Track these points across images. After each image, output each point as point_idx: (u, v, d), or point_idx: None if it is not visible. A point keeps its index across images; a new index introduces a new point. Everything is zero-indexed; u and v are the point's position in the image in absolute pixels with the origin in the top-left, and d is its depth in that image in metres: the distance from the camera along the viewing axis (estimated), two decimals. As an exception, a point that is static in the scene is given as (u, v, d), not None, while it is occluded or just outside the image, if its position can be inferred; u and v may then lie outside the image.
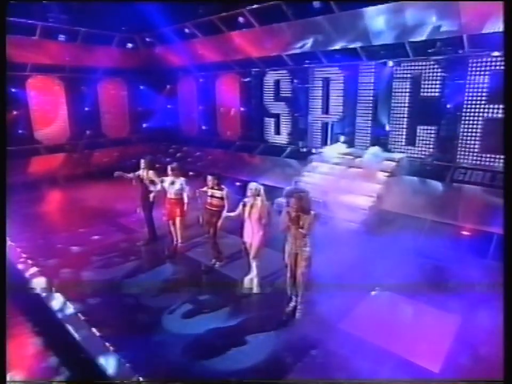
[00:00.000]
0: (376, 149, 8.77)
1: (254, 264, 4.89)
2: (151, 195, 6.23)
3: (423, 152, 8.33)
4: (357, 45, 8.40)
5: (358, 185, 7.97)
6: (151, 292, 4.82)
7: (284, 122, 10.91)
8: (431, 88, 7.84)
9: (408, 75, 8.21)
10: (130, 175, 6.26)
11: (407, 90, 8.25)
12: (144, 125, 13.50)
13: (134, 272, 5.52)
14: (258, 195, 4.62)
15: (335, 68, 9.44)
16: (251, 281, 4.97)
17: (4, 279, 3.10)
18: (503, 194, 2.67)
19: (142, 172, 6.33)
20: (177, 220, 5.95)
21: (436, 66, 7.68)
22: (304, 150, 10.22)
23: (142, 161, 6.38)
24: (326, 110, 9.94)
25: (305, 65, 9.90)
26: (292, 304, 4.47)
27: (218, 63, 11.26)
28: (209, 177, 5.47)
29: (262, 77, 10.99)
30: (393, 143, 8.79)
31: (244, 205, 4.65)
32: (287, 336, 4.07)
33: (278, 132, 11.09)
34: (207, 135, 12.66)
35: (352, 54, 8.67)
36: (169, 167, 5.94)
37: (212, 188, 5.39)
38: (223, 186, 5.36)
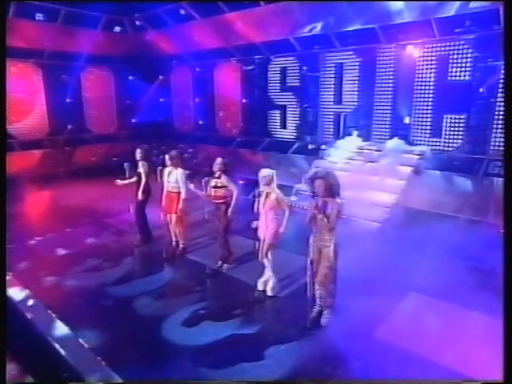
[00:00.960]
0: (396, 142, 8.66)
1: (266, 263, 4.72)
2: (140, 191, 6.07)
3: (451, 144, 8.17)
4: (375, 25, 8.30)
5: (378, 182, 7.88)
6: (146, 299, 4.66)
7: (291, 115, 10.80)
8: (460, 71, 7.70)
9: (434, 57, 8.10)
10: (134, 178, 6.07)
11: (433, 74, 8.15)
12: (133, 120, 13.26)
13: (126, 277, 5.34)
14: (271, 183, 4.49)
15: (349, 52, 9.34)
16: (265, 283, 4.83)
17: (4, 279, 3.28)
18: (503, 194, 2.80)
19: (140, 167, 6.15)
20: (174, 217, 5.82)
21: (466, 46, 7.55)
22: (314, 145, 10.15)
23: (138, 151, 6.17)
24: (338, 100, 9.81)
25: (316, 50, 9.85)
26: (317, 308, 4.32)
27: (217, 49, 11.15)
28: (218, 161, 5.28)
29: (266, 65, 10.92)
30: (416, 134, 8.66)
31: (259, 195, 4.54)
32: (313, 347, 3.84)
33: (284, 125, 11.00)
34: (204, 131, 12.51)
35: (369, 36, 8.58)
36: (167, 156, 5.84)
37: (218, 177, 5.25)
38: (224, 175, 5.23)
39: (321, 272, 4.12)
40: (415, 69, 8.34)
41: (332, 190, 3.92)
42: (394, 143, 8.63)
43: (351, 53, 9.31)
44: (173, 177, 5.72)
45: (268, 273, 4.78)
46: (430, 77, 8.19)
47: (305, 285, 4.39)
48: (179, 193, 5.68)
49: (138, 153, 6.16)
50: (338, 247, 4.09)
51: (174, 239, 6.03)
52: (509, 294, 2.37)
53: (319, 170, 4.12)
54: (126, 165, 6.12)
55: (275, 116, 11.09)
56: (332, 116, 10.02)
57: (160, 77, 13.33)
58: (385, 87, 8.93)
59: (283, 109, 10.87)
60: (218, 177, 5.25)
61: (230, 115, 12.01)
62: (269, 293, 4.75)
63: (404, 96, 8.71)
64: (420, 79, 8.34)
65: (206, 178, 5.41)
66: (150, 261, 5.87)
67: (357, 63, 9.26)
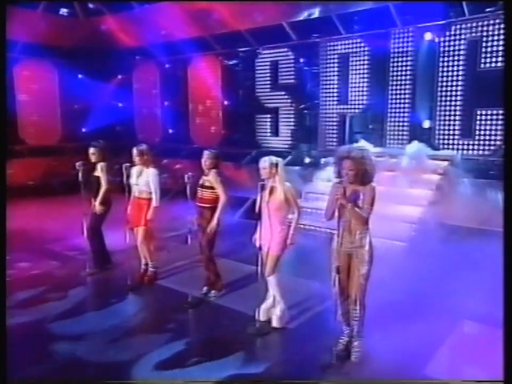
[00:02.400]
0: (417, 146, 8.66)
1: (271, 284, 4.49)
2: (97, 201, 5.82)
3: (485, 147, 8.17)
4: (389, 2, 8.44)
5: (399, 194, 7.78)
6: (103, 339, 4.34)
7: (284, 120, 10.85)
8: (495, 56, 7.79)
9: (462, 41, 8.24)
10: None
11: (461, 62, 8.27)
12: (83, 130, 12.89)
13: (74, 311, 5.02)
14: (275, 174, 4.35)
15: (356, 39, 9.48)
16: (268, 312, 4.59)
17: (4, 279, 3.71)
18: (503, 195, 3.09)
19: (98, 170, 5.93)
20: (141, 231, 5.64)
21: (502, 25, 7.64)
22: (311, 157, 10.25)
23: (91, 150, 5.96)
24: (344, 99, 9.85)
25: (315, 39, 9.95)
26: (344, 339, 4.02)
27: (192, 40, 11.19)
28: (206, 153, 5.12)
29: (253, 58, 11.00)
30: (441, 136, 8.69)
31: (262, 189, 4.33)
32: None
33: (276, 132, 11.03)
34: (175, 142, 12.28)
35: (382, 18, 8.71)
36: (134, 151, 5.55)
37: (206, 174, 5.12)
38: (214, 170, 5.08)
39: (354, 284, 3.85)
40: (439, 56, 8.48)
41: (365, 178, 3.77)
42: (415, 147, 8.61)
43: (359, 40, 9.45)
44: (143, 178, 5.54)
45: (273, 297, 4.57)
46: (457, 65, 8.31)
47: (321, 313, 4.31)
48: (149, 199, 5.51)
49: (92, 153, 5.91)
50: (374, 249, 3.85)
51: (143, 261, 5.83)
52: (509, 293, 2.56)
53: (353, 148, 3.91)
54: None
55: (265, 121, 11.11)
56: (335, 119, 10.04)
57: (120, 76, 13.22)
58: (402, 80, 9.01)
59: (275, 112, 10.91)
60: (206, 175, 5.13)
61: (208, 122, 11.99)
62: (275, 323, 4.53)
63: (424, 90, 8.80)
64: (445, 69, 8.46)
65: (190, 174, 5.20)
66: (109, 291, 5.70)
67: (367, 53, 9.37)
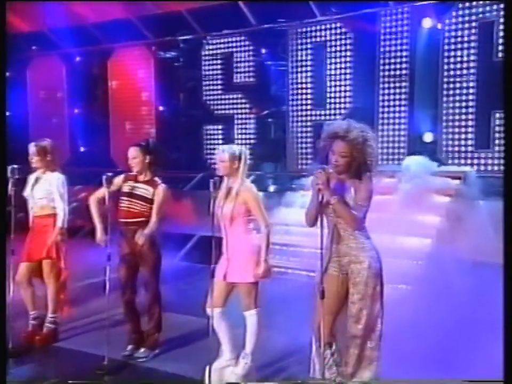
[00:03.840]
0: (419, 160, 8.77)
1: (250, 323, 4.52)
2: None
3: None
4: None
5: (399, 222, 7.77)
6: None
7: (241, 131, 10.91)
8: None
9: (473, 24, 8.52)
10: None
11: (472, 51, 8.51)
12: (-45, 146, 12.46)
13: None
14: (236, 171, 4.43)
15: (335, 23, 9.71)
16: (224, 372, 4.56)
17: (4, 279, 4.36)
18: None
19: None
20: (45, 266, 5.55)
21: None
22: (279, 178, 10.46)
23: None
24: (320, 102, 10.02)
25: (281, 24, 10.13)
26: None
27: (114, 25, 11.18)
28: (132, 150, 5.13)
29: (199, 50, 11.10)
30: (449, 147, 8.90)
31: (215, 188, 4.28)
32: None
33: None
34: (89, 165, 11.93)
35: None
36: (31, 148, 5.53)
37: (135, 179, 5.17)
38: (157, 179, 5.21)
39: (350, 319, 3.82)
40: (444, 44, 8.74)
41: (361, 170, 3.77)
42: (416, 163, 8.72)
43: (338, 25, 9.68)
44: (42, 187, 5.51)
45: (233, 352, 4.57)
46: (467, 55, 8.58)
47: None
48: (54, 215, 5.47)
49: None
50: (380, 263, 3.86)
51: (32, 313, 5.61)
52: (509, 293, 2.98)
53: (352, 125, 3.83)
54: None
55: (215, 134, 11.16)
56: (309, 129, 10.12)
57: (8, 74, 12.90)
58: (396, 76, 9.22)
59: (228, 121, 11.00)
60: (135, 178, 5.16)
61: (136, 136, 11.64)
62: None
63: (427, 89, 9.05)
64: (451, 60, 8.71)
65: (124, 176, 5.21)
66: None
67: (349, 41, 9.59)
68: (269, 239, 4.41)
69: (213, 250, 4.30)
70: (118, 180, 5.15)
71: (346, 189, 3.76)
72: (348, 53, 9.63)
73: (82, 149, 12.56)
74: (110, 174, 5.07)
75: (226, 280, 4.45)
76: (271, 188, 10.54)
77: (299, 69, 10.15)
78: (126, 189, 5.12)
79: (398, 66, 9.19)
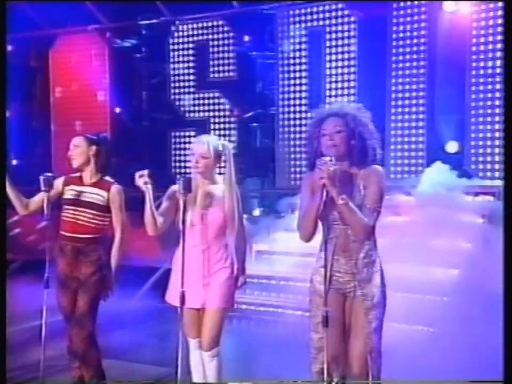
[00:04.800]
0: (441, 172, 8.84)
1: (210, 368, 4.57)
2: None
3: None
4: None
5: (417, 249, 7.75)
6: None
7: (219, 136, 10.53)
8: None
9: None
10: None
11: (498, 38, 8.52)
12: None
13: None
14: (212, 167, 4.56)
15: (336, 2, 9.79)
16: None
17: (4, 279, 4.84)
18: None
19: None
20: None
21: None
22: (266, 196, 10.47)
23: None
24: (317, 101, 9.87)
25: (268, 5, 10.21)
26: None
27: (56, 5, 10.94)
28: (76, 142, 5.04)
29: (166, 37, 11.21)
30: (480, 156, 8.95)
31: (185, 188, 4.29)
32: None
33: None
34: (23, 180, 11.78)
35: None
36: None
37: (80, 182, 5.08)
38: (108, 178, 5.17)
39: (356, 348, 3.78)
40: (470, 30, 8.80)
41: (361, 153, 3.74)
42: (437, 175, 8.78)
43: (340, 6, 9.79)
44: None
45: None
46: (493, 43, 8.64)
47: None
48: None
49: None
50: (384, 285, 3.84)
51: None
52: (509, 293, 3.40)
53: (342, 104, 4.03)
54: None
55: (186, 142, 11.14)
56: (304, 134, 9.96)
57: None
58: (412, 69, 9.28)
59: (203, 125, 10.96)
60: (79, 181, 5.07)
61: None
62: None
63: (451, 82, 9.06)
64: (481, 48, 8.78)
65: (64, 179, 5.08)
66: None
67: (353, 26, 9.66)
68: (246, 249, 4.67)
69: (182, 267, 4.26)
70: (57, 183, 5.08)
71: (353, 186, 3.73)
72: (352, 41, 9.69)
73: (14, 162, 12.25)
74: (49, 174, 4.95)
75: (204, 307, 4.47)
76: (256, 211, 10.56)
77: (291, 61, 10.20)
78: (69, 195, 5.05)
79: (414, 58, 9.25)
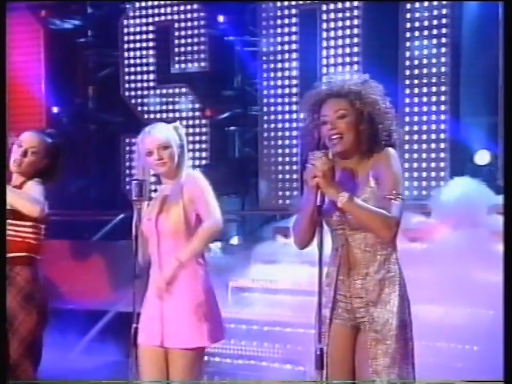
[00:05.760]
0: (468, 186, 8.75)
1: None
2: None
3: None
4: None
5: (443, 282, 7.78)
6: None
7: (186, 143, 10.71)
8: None
9: None
10: None
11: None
12: None
13: None
14: (171, 161, 4.72)
15: None
16: None
17: (4, 279, 4.93)
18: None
19: None
20: None
21: None
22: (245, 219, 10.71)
23: None
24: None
25: None
26: None
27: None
28: (25, 137, 5.48)
29: (117, 19, 11.25)
30: None
31: (141, 191, 4.56)
32: None
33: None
34: None
35: None
36: None
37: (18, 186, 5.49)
38: (32, 183, 5.47)
39: None
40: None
41: (374, 139, 3.75)
42: (464, 189, 8.72)
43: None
44: None
45: None
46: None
47: None
48: None
49: None
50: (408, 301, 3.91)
51: None
52: (509, 294, 3.62)
53: (345, 80, 3.95)
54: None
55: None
56: (294, 141, 10.04)
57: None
58: (430, 63, 9.27)
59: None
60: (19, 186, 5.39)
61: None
62: None
63: (480, 85, 9.13)
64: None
65: None
66: None
67: (357, 4, 9.67)
68: (210, 234, 4.63)
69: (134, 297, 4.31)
70: None
71: (360, 180, 3.74)
72: (355, 23, 9.68)
73: None
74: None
75: (163, 345, 4.56)
76: (234, 238, 10.63)
77: (279, 49, 10.20)
78: None
79: (434, 47, 9.27)
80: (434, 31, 9.19)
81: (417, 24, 9.28)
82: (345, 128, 3.67)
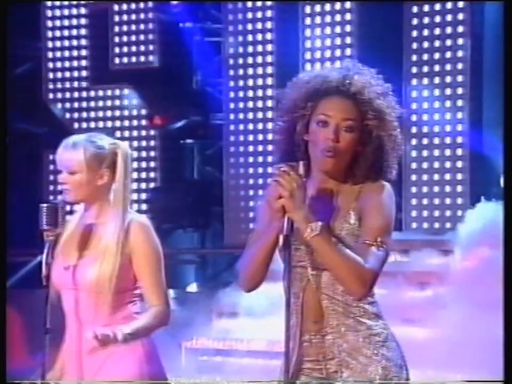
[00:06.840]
0: (492, 211, 8.93)
1: None
2: None
3: None
4: None
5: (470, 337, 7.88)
6: None
7: (130, 160, 10.84)
8: None
9: None
10: None
11: None
12: None
13: None
14: (108, 184, 4.43)
15: None
16: None
17: (4, 278, 6.93)
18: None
19: None
20: None
21: None
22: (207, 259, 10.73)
23: None
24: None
25: None
26: None
27: None
28: None
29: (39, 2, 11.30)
30: None
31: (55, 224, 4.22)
32: None
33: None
34: None
35: None
36: None
37: None
38: None
39: None
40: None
41: (375, 166, 3.56)
42: (490, 216, 8.86)
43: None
44: None
45: None
46: None
47: None
48: None
49: None
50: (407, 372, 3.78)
51: None
52: (509, 294, 4.14)
53: (349, 68, 3.71)
54: None
55: None
56: (270, 158, 9.95)
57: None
58: (443, 61, 9.44)
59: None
60: None
61: None
62: None
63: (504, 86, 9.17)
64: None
65: None
66: None
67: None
68: (155, 324, 4.46)
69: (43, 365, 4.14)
70: None
71: (338, 211, 3.60)
72: (349, 18, 9.89)
73: None
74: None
75: None
76: (193, 286, 10.68)
77: (249, 39, 10.34)
78: None
79: (447, 42, 9.51)
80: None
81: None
82: (349, 144, 3.49)
